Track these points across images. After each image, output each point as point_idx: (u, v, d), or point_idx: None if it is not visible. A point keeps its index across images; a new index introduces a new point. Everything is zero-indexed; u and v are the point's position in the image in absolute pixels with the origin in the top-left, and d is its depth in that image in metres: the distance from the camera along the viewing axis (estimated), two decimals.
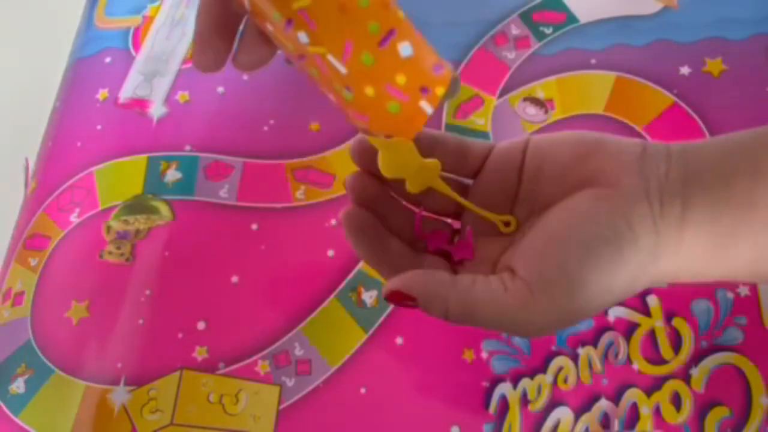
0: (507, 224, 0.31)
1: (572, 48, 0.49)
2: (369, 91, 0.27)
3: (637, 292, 0.28)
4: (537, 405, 0.39)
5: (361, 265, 0.43)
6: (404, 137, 0.29)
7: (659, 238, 0.27)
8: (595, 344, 0.40)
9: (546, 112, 0.47)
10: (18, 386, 0.42)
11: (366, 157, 0.31)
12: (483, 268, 0.31)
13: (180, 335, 0.42)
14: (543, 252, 0.28)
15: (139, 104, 0.51)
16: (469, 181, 0.32)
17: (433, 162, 0.31)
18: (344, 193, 0.46)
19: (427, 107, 0.27)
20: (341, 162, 0.47)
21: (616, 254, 0.27)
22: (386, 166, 0.31)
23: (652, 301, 0.41)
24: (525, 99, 0.47)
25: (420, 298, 0.29)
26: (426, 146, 0.31)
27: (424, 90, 0.27)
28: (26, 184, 0.51)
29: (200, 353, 0.42)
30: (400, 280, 0.29)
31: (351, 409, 0.40)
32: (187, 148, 0.48)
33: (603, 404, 0.39)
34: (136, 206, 0.47)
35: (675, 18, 0.49)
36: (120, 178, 0.48)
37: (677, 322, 0.40)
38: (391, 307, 0.42)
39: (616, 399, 0.39)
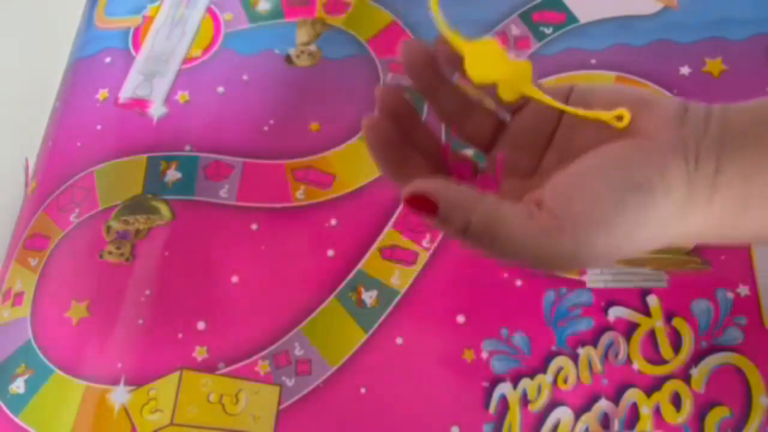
0: (620, 119, 0.29)
1: (572, 48, 0.49)
2: None
3: (660, 246, 0.28)
4: (537, 405, 0.39)
5: (361, 264, 0.43)
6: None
7: (691, 193, 0.27)
8: (595, 344, 0.40)
9: None
10: (18, 386, 0.42)
11: (414, 66, 0.30)
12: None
13: (180, 335, 0.42)
14: (573, 187, 0.27)
15: (139, 104, 0.51)
16: (507, 117, 0.32)
17: (523, 63, 0.30)
18: (344, 192, 0.46)
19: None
20: (341, 162, 0.47)
21: (646, 200, 0.26)
22: (475, 71, 0.30)
23: (652, 301, 0.41)
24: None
25: (443, 204, 0.27)
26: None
27: None
28: (26, 184, 0.51)
29: (200, 353, 0.42)
30: (423, 183, 0.28)
31: (351, 409, 0.40)
32: (187, 148, 0.48)
33: (603, 404, 0.39)
34: (136, 206, 0.47)
35: (675, 18, 0.49)
36: (120, 178, 0.48)
37: (677, 322, 0.40)
38: (391, 307, 0.42)
39: (616, 399, 0.39)
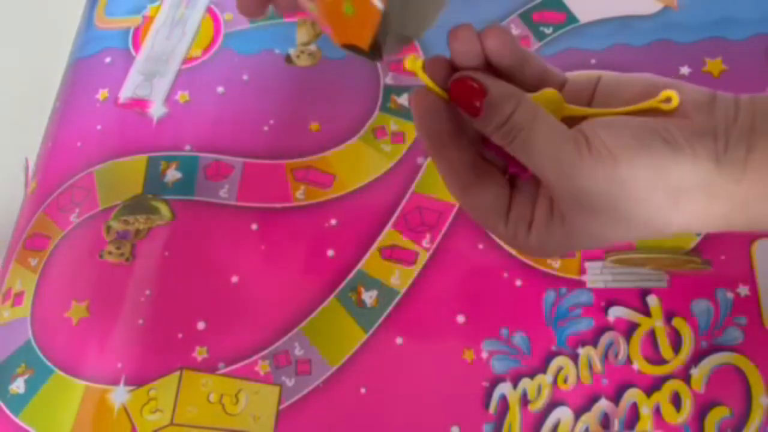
0: (668, 101, 0.29)
1: (572, 48, 0.49)
2: None
3: (679, 228, 0.28)
4: (537, 405, 0.39)
5: (361, 264, 0.43)
6: (360, 43, 0.28)
7: (720, 171, 0.27)
8: (595, 344, 0.40)
9: None
10: (18, 386, 0.42)
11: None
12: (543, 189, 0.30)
13: (180, 335, 0.42)
14: (609, 125, 0.28)
15: (139, 104, 0.51)
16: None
17: (550, 93, 0.30)
18: (344, 192, 0.46)
19: (378, 3, 0.26)
20: (341, 162, 0.47)
21: (669, 152, 0.27)
22: None
23: (652, 301, 0.41)
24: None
25: (494, 91, 0.28)
26: (517, 62, 0.30)
27: None
28: (26, 184, 0.51)
29: (200, 353, 0.42)
30: (477, 73, 0.28)
31: (351, 409, 0.40)
32: (187, 148, 0.48)
33: (603, 404, 0.39)
34: (136, 206, 0.47)
35: (675, 18, 0.49)
36: (120, 178, 0.48)
37: (677, 322, 0.40)
38: (391, 307, 0.42)
39: (616, 399, 0.39)
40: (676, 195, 0.27)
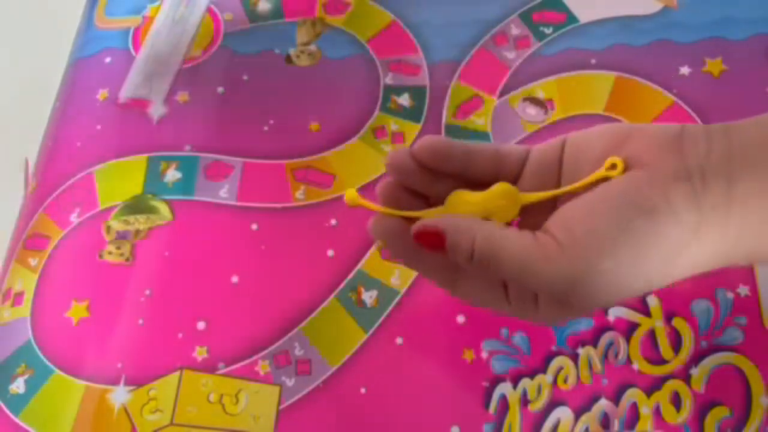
0: (613, 167, 0.29)
1: (572, 48, 0.49)
2: None
3: (682, 276, 0.27)
4: (537, 405, 0.39)
5: (361, 264, 0.43)
6: None
7: (702, 215, 0.26)
8: (595, 344, 0.40)
9: (546, 112, 0.47)
10: (18, 386, 0.42)
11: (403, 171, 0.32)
12: None
13: (180, 335, 0.42)
14: (575, 216, 0.28)
15: (139, 104, 0.51)
16: None
17: (503, 188, 0.31)
18: (344, 192, 0.46)
19: None
20: (341, 162, 0.47)
21: (651, 226, 0.26)
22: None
23: (652, 301, 0.41)
24: (525, 99, 0.47)
25: (449, 232, 0.29)
26: (461, 158, 0.31)
27: None
28: (26, 184, 0.51)
29: (200, 353, 0.42)
30: (430, 219, 0.30)
31: (351, 409, 0.40)
32: (187, 148, 0.48)
33: (603, 404, 0.39)
34: (136, 206, 0.47)
35: (675, 18, 0.49)
36: (120, 178, 0.48)
37: (677, 322, 0.40)
38: (391, 307, 0.42)
39: (616, 399, 0.39)
40: (667, 260, 0.27)
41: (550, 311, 0.31)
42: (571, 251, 0.27)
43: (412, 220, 0.31)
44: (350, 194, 0.32)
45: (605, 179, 0.29)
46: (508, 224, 0.31)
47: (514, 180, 0.32)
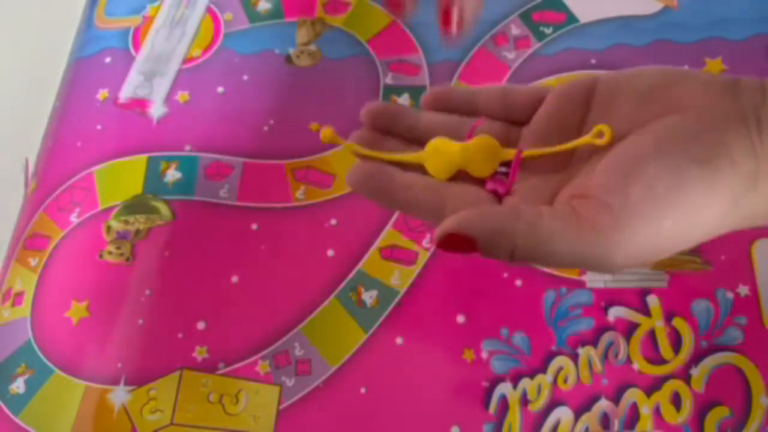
0: (601, 136, 0.27)
1: (572, 48, 0.49)
2: None
3: (740, 226, 0.25)
4: (537, 405, 0.39)
5: (361, 264, 0.43)
6: None
7: (759, 162, 0.24)
8: (595, 344, 0.40)
9: None
10: (18, 386, 0.42)
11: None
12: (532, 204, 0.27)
13: (180, 335, 0.42)
14: (626, 172, 0.24)
15: (139, 104, 0.51)
16: None
17: (484, 140, 0.29)
18: (344, 193, 0.46)
19: None
20: (341, 162, 0.47)
21: (711, 175, 0.24)
22: (435, 168, 0.30)
23: (652, 301, 0.41)
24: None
25: (481, 237, 0.25)
26: (465, 99, 0.29)
27: None
28: (26, 184, 0.51)
29: (200, 353, 0.42)
30: (454, 220, 0.25)
31: (351, 409, 0.40)
32: (187, 148, 0.48)
33: (603, 404, 0.39)
34: (136, 206, 0.47)
35: (675, 18, 0.49)
36: (120, 178, 0.48)
37: (677, 322, 0.40)
38: (391, 307, 0.42)
39: (616, 399, 0.39)
40: (725, 210, 0.24)
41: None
42: (630, 219, 0.24)
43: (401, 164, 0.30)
44: (327, 133, 0.31)
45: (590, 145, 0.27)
46: (487, 178, 0.30)
47: (524, 122, 0.30)
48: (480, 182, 0.30)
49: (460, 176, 0.30)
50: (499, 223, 0.25)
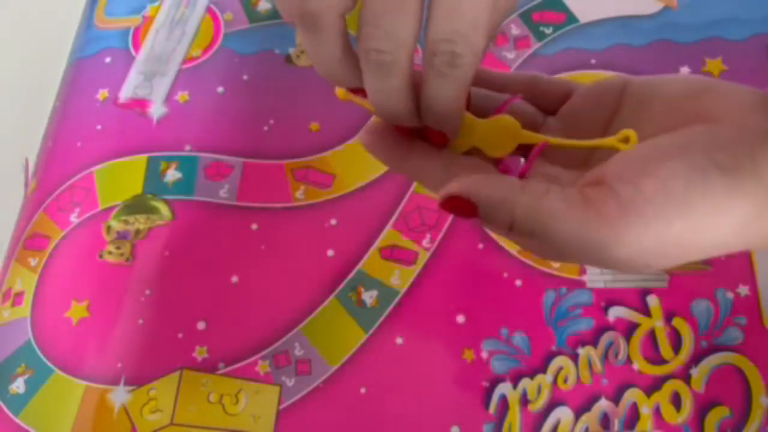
0: (626, 141, 0.26)
1: (572, 48, 0.49)
2: None
3: (745, 248, 0.25)
4: (537, 405, 0.39)
5: (361, 264, 0.43)
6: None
7: None
8: (595, 344, 0.40)
9: None
10: (18, 386, 0.42)
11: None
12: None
13: (180, 335, 0.42)
14: (645, 165, 0.23)
15: (139, 104, 0.51)
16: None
17: (505, 121, 0.28)
18: (344, 192, 0.46)
19: None
20: (341, 162, 0.47)
21: (732, 184, 0.23)
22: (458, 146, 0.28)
23: (652, 301, 0.41)
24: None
25: (483, 203, 0.24)
26: (497, 84, 0.29)
27: None
28: (26, 184, 0.51)
29: (200, 353, 0.42)
30: (459, 183, 0.25)
31: (351, 409, 0.40)
32: (187, 148, 0.48)
33: (603, 404, 0.39)
34: (136, 206, 0.47)
35: (675, 18, 0.49)
36: (120, 178, 0.48)
37: (677, 322, 0.40)
38: (391, 307, 0.42)
39: (616, 399, 0.39)
40: (745, 223, 0.23)
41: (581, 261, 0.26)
42: (637, 210, 0.23)
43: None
44: (341, 91, 0.28)
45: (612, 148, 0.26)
46: (501, 159, 0.28)
47: (552, 111, 0.29)
48: (495, 163, 0.29)
49: (478, 155, 0.30)
50: (503, 191, 0.25)
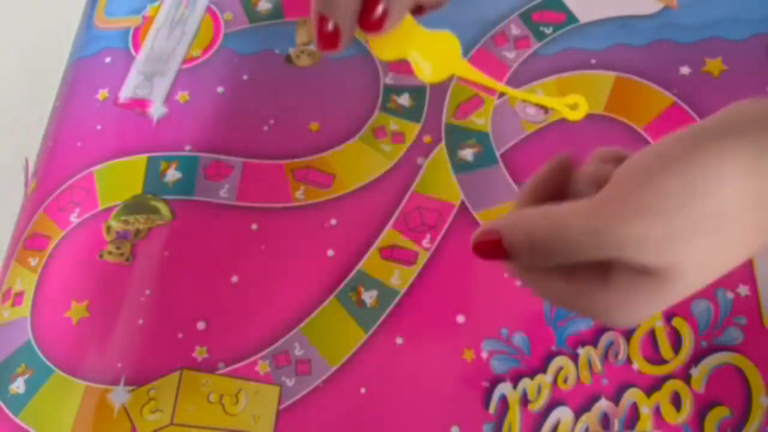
0: (575, 107, 0.26)
1: (572, 48, 0.49)
2: None
3: (752, 255, 0.25)
4: (537, 405, 0.39)
5: (361, 264, 0.43)
6: None
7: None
8: (595, 344, 0.40)
9: (546, 112, 0.47)
10: (18, 386, 0.42)
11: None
12: None
13: (180, 335, 0.42)
14: (648, 164, 0.24)
15: (139, 104, 0.51)
16: None
17: (444, 34, 0.27)
18: (344, 192, 0.46)
19: None
20: (341, 162, 0.47)
21: (719, 152, 0.23)
22: (380, 48, 0.27)
23: None
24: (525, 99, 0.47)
25: (502, 230, 0.25)
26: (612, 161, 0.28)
27: None
28: (26, 184, 0.51)
29: (200, 353, 0.42)
30: (480, 230, 0.26)
31: (351, 409, 0.40)
32: (187, 148, 0.48)
33: (603, 404, 0.39)
34: (136, 206, 0.47)
35: (675, 18, 0.49)
36: (120, 178, 0.48)
37: (677, 322, 0.40)
38: (391, 307, 0.42)
39: (616, 399, 0.39)
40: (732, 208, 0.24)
41: (626, 288, 0.26)
42: (635, 184, 0.23)
43: None
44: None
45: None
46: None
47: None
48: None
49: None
50: (518, 213, 0.26)
